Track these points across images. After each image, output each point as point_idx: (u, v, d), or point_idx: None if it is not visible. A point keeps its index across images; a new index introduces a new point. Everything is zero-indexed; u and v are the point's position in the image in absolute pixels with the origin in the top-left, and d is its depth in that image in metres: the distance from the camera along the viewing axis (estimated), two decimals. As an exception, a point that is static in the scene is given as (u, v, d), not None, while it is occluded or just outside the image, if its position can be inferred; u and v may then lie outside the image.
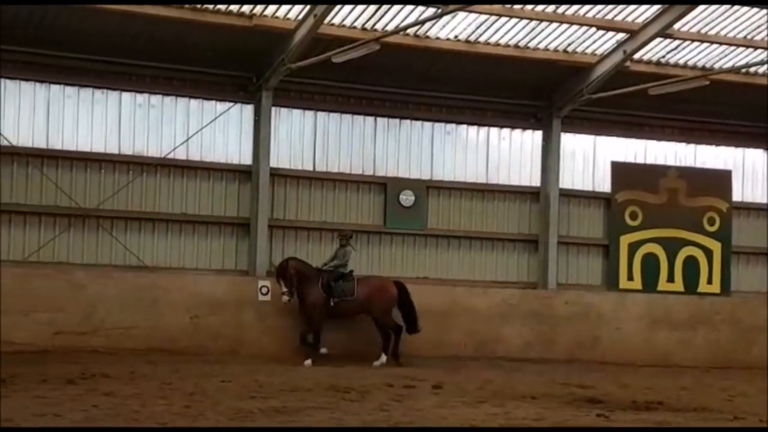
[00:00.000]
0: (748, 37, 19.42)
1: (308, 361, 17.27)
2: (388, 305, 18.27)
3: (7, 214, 17.68)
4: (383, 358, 17.91)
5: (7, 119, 17.69)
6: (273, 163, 19.12)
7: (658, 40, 19.14)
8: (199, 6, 17.23)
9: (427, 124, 20.50)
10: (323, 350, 17.70)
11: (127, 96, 18.52)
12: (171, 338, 17.78)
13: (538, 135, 21.20)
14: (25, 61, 17.73)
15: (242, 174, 19.16)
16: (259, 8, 17.46)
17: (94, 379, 13.62)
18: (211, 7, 17.29)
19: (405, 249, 20.30)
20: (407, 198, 20.13)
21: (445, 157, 20.57)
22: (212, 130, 19.00)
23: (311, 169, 19.68)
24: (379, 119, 20.19)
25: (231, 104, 19.09)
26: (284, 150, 19.46)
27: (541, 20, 18.57)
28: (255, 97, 19.03)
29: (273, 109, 19.11)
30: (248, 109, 19.18)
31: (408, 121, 20.36)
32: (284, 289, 17.63)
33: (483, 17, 18.26)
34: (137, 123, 18.58)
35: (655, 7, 18.22)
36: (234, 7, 17.39)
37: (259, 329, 18.44)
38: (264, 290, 18.56)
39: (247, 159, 19.15)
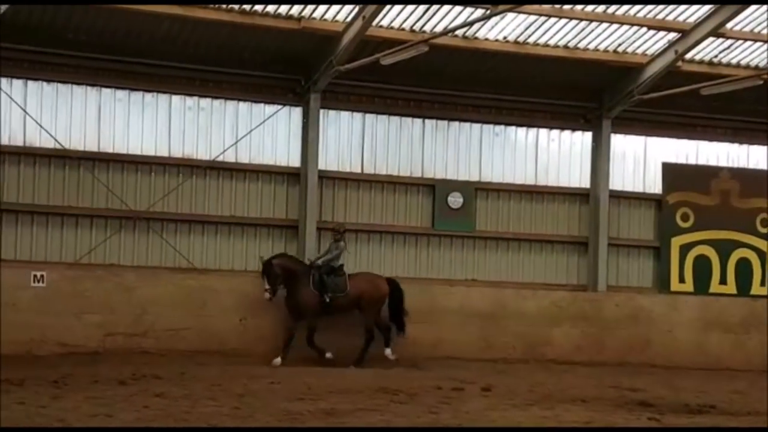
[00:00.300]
0: (803, 35, 19.11)
1: (277, 360, 16.99)
2: (378, 302, 17.95)
3: (59, 217, 17.88)
4: (387, 351, 17.71)
5: (59, 122, 17.90)
6: (321, 165, 19.16)
7: (711, 39, 18.88)
8: (248, 9, 17.31)
9: (476, 126, 20.42)
10: (276, 361, 16.94)
11: (176, 99, 18.66)
12: (220, 340, 17.86)
13: (588, 136, 21.02)
14: (76, 65, 17.93)
15: (291, 176, 19.22)
16: (307, 11, 17.51)
17: (145, 380, 13.74)
18: (259, 9, 17.37)
19: (453, 251, 20.22)
20: (455, 200, 20.05)
21: (494, 159, 20.46)
22: (261, 133, 19.07)
23: (359, 171, 19.68)
24: (427, 121, 20.14)
25: (279, 107, 19.15)
26: (332, 152, 19.49)
27: (591, 20, 18.41)
28: (303, 99, 19.08)
29: (321, 111, 19.15)
30: (297, 112, 19.23)
31: (456, 123, 20.29)
32: (266, 287, 17.18)
33: (532, 18, 18.14)
34: (187, 126, 18.71)
35: (707, 7, 17.98)
36: (282, 10, 17.45)
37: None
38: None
39: (295, 161, 19.21)
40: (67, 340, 16.69)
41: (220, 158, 18.79)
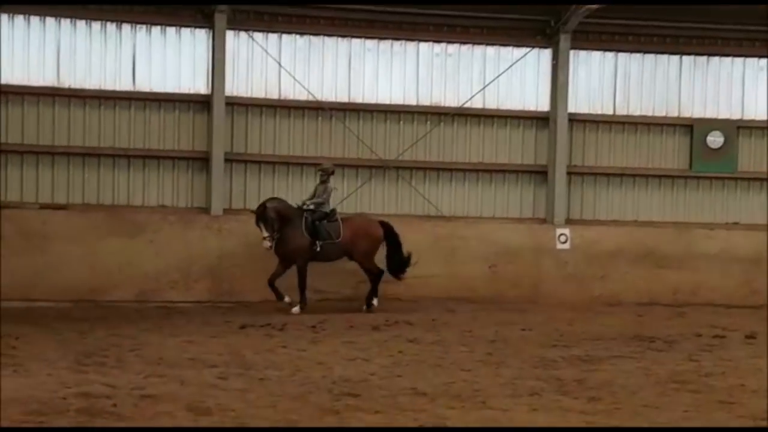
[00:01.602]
0: None
1: (296, 309, 15.74)
2: (372, 247, 16.54)
3: (313, 167, 18.29)
4: (374, 300, 16.43)
5: (312, 75, 18.32)
6: (571, 108, 18.70)
7: None
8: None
9: (738, 60, 19.29)
10: (287, 299, 15.79)
11: (424, 46, 18.65)
12: (469, 287, 17.86)
13: None
14: (327, 16, 18.19)
15: (539, 120, 18.86)
16: (556, -52, 17.00)
17: (397, 326, 13.94)
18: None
19: (713, 193, 19.32)
20: (715, 139, 19.06)
21: (758, 95, 19.27)
22: (509, 77, 18.78)
23: (611, 112, 19.07)
24: (684, 57, 19.21)
25: (528, 49, 18.77)
26: (583, 94, 18.98)
27: None
28: (553, 40, 18.62)
29: (571, 52, 18.65)
30: (546, 54, 18.80)
31: (716, 58, 19.24)
32: (265, 234, 15.80)
33: (800, -60, 16.80)
34: (435, 73, 18.69)
35: None
36: (530, -50, 17.03)
37: (558, 277, 18.19)
38: (563, 238, 18.27)
39: (544, 105, 18.83)
40: (323, 286, 17.13)
41: (468, 104, 18.67)
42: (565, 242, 18.29)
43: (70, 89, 17.33)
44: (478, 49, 18.75)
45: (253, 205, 16.58)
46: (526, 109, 18.91)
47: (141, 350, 10.89)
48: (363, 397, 8.42)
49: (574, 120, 18.82)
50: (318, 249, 16.04)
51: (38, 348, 10.84)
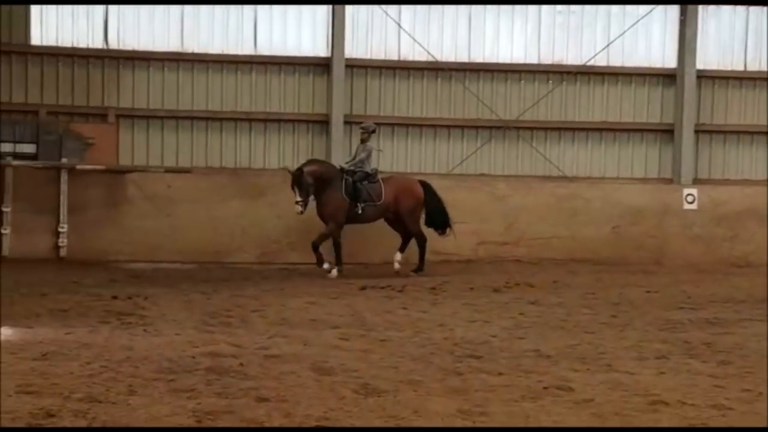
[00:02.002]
0: None
1: (333, 271, 15.11)
2: (416, 205, 15.80)
3: (432, 128, 18.28)
4: (398, 256, 15.72)
5: (431, 35, 18.18)
6: (699, 65, 18.16)
7: None
8: None
9: None
10: (333, 273, 15.06)
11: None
12: (591, 248, 17.55)
13: None
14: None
15: (666, 78, 18.35)
16: None
17: (518, 287, 13.79)
18: None
19: None
20: None
21: None
22: (634, 34, 18.32)
23: (742, 68, 18.42)
24: (822, 9, 18.45)
25: (654, 5, 18.21)
26: (712, 50, 18.39)
27: None
28: (680, -5, 18.11)
29: (700, 7, 18.04)
30: (673, 9, 18.28)
31: None
32: (298, 199, 14.98)
33: None
34: (557, 31, 18.35)
35: None
36: None
37: (684, 239, 17.73)
38: (690, 198, 17.78)
39: (671, 62, 18.34)
40: (442, 248, 17.10)
41: (591, 62, 18.27)
42: (692, 202, 17.80)
43: (193, 54, 17.64)
44: (602, 6, 18.30)
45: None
46: (652, 66, 18.46)
47: (264, 311, 11.03)
48: (485, 358, 8.34)
49: (703, 76, 18.30)
50: (360, 211, 15.43)
51: (166, 308, 11.08)
